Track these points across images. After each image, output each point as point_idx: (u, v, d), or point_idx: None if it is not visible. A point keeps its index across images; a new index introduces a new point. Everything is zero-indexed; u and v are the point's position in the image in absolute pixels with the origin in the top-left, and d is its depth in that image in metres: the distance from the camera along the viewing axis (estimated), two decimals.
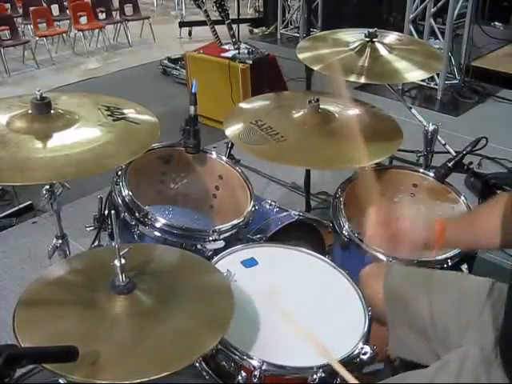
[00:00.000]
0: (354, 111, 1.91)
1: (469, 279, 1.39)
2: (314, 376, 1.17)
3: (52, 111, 1.43)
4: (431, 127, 2.01)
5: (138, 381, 0.97)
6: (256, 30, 7.22)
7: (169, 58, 5.58)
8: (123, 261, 1.12)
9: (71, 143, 1.36)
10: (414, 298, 1.33)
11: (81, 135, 1.40)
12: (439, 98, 4.77)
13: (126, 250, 1.13)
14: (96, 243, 1.99)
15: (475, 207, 1.59)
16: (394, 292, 1.36)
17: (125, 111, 1.56)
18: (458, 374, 1.09)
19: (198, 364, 1.29)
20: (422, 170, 1.97)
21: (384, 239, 1.22)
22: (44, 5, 6.92)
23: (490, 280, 1.32)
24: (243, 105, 2.11)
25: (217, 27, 4.31)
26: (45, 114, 1.42)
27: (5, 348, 0.83)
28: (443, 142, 2.93)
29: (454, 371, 1.10)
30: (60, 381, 1.50)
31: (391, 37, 2.17)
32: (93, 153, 1.34)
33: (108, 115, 1.51)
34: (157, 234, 1.66)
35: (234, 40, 4.11)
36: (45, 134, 1.38)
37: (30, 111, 1.42)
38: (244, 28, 6.76)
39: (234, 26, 4.28)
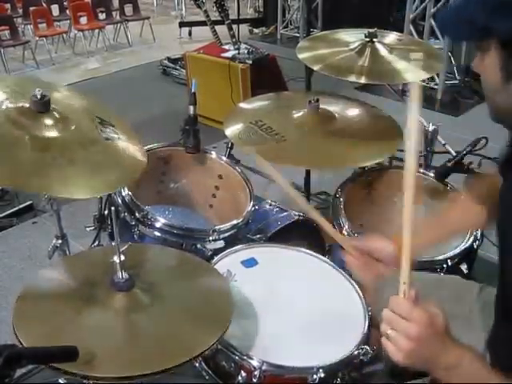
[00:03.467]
0: (354, 111, 1.92)
1: (457, 281, 1.39)
2: (314, 376, 1.17)
3: (50, 111, 1.40)
4: (431, 127, 2.01)
5: (138, 373, 0.97)
6: (256, 30, 7.22)
7: (169, 58, 5.58)
8: (123, 257, 1.12)
9: (58, 152, 1.31)
10: None
11: (69, 147, 1.35)
12: (439, 98, 4.77)
13: (125, 247, 1.13)
14: (96, 243, 1.99)
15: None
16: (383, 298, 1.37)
17: (117, 133, 1.50)
18: None
19: (197, 364, 1.29)
20: (422, 170, 1.96)
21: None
22: (44, 5, 6.92)
23: (477, 284, 1.33)
24: (243, 105, 2.11)
25: (217, 27, 4.31)
26: (41, 113, 1.38)
27: (5, 348, 0.83)
28: (443, 142, 2.93)
29: None
30: (60, 381, 1.50)
31: (391, 37, 2.17)
32: (74, 174, 1.29)
33: (100, 131, 1.46)
34: (157, 233, 1.66)
35: (234, 40, 4.11)
36: (34, 134, 1.33)
37: (27, 105, 1.38)
38: (244, 28, 6.76)
39: (234, 26, 4.28)
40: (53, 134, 1.36)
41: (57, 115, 1.41)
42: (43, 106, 1.39)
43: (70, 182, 1.28)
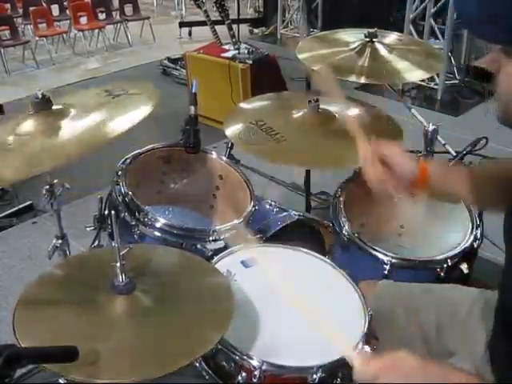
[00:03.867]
0: (354, 111, 1.92)
1: (457, 290, 1.39)
2: (314, 376, 1.17)
3: (53, 107, 1.46)
4: (431, 127, 2.00)
5: (138, 380, 0.97)
6: (256, 30, 7.23)
7: (169, 58, 5.58)
8: (123, 261, 1.12)
9: (79, 126, 1.40)
10: (399, 314, 1.34)
11: (85, 117, 1.44)
12: (439, 98, 4.77)
13: (125, 250, 1.13)
14: (96, 243, 1.99)
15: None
16: (380, 309, 1.37)
17: (123, 89, 1.59)
18: None
19: (198, 364, 1.29)
20: None
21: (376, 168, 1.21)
22: (44, 5, 6.93)
23: (478, 290, 1.33)
24: (243, 105, 2.11)
25: (217, 27, 4.32)
26: (47, 110, 1.44)
27: (5, 348, 0.83)
28: (443, 142, 2.93)
29: None
30: (60, 381, 1.50)
31: (391, 37, 2.17)
32: (101, 127, 1.39)
33: (106, 95, 1.53)
34: (157, 234, 1.66)
35: (234, 40, 4.11)
36: (51, 127, 1.40)
37: (30, 112, 1.43)
38: (244, 28, 6.76)
39: (234, 26, 4.29)
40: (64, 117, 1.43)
41: (61, 106, 1.47)
42: (45, 103, 1.43)
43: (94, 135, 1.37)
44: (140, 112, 1.44)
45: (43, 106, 1.43)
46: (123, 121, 1.40)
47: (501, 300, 1.07)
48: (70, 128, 1.40)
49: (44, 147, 1.34)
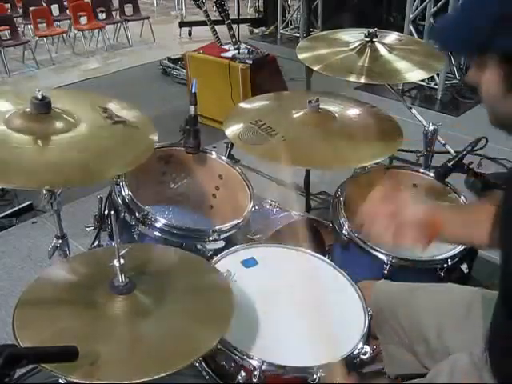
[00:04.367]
0: (354, 111, 1.92)
1: (454, 289, 1.39)
2: (314, 376, 1.17)
3: (51, 111, 1.42)
4: (431, 127, 2.01)
5: (138, 381, 0.97)
6: (256, 30, 7.22)
7: (169, 58, 5.58)
8: (122, 261, 1.12)
9: (69, 147, 1.36)
10: (398, 314, 1.34)
11: (79, 139, 1.40)
12: (439, 98, 4.77)
13: (125, 250, 1.13)
14: (96, 243, 1.99)
15: (468, 204, 1.56)
16: (380, 310, 1.37)
17: (122, 114, 1.55)
18: (450, 380, 1.10)
19: (198, 364, 1.29)
20: (422, 170, 1.97)
21: (382, 218, 1.12)
22: (44, 5, 6.92)
23: (475, 288, 1.33)
24: (243, 105, 2.11)
25: (217, 27, 4.32)
26: (44, 114, 1.41)
27: (5, 348, 0.83)
28: (443, 141, 2.93)
29: (445, 379, 1.11)
30: (60, 381, 1.50)
31: (391, 37, 2.17)
32: (90, 161, 1.35)
33: (106, 117, 1.50)
34: (157, 234, 1.66)
35: (234, 40, 4.11)
36: (43, 135, 1.37)
37: (28, 109, 1.40)
38: (244, 28, 6.76)
39: (234, 26, 4.28)
40: (60, 131, 1.39)
41: (59, 112, 1.43)
42: (45, 107, 1.40)
43: (87, 169, 1.33)
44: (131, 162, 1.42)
45: (41, 108, 1.40)
46: (112, 167, 1.38)
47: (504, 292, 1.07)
48: (65, 147, 1.36)
49: (33, 158, 1.30)
